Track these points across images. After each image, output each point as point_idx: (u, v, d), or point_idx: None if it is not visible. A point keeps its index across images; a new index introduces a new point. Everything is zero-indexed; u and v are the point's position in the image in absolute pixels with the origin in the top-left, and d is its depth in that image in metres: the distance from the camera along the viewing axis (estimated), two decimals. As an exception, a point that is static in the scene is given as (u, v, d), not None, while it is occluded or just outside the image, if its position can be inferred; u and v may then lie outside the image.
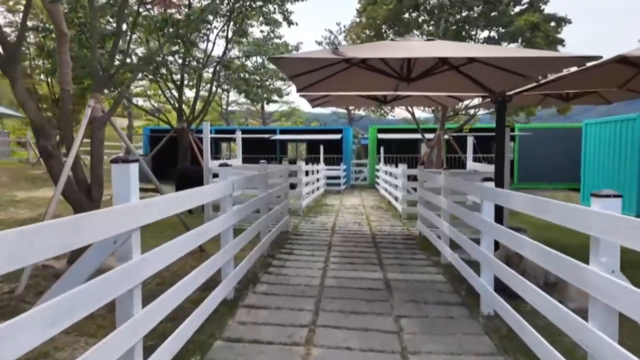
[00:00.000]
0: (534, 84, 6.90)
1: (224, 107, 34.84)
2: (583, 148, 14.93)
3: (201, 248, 6.05)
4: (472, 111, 15.52)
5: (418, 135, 17.06)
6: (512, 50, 6.52)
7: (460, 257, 5.31)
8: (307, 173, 13.89)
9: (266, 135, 21.06)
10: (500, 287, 4.11)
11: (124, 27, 10.83)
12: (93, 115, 5.01)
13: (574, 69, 6.17)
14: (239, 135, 11.19)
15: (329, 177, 20.06)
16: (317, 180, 16.95)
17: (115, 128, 5.74)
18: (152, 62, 10.41)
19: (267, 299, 4.66)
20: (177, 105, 12.48)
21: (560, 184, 20.67)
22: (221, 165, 4.67)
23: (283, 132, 23.10)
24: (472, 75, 6.07)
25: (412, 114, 15.57)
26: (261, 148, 22.56)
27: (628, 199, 12.28)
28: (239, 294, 4.73)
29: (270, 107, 36.86)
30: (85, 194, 5.09)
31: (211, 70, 12.68)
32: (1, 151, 23.91)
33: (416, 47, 4.75)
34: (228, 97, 32.98)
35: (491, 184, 4.27)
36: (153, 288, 4.48)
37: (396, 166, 12.63)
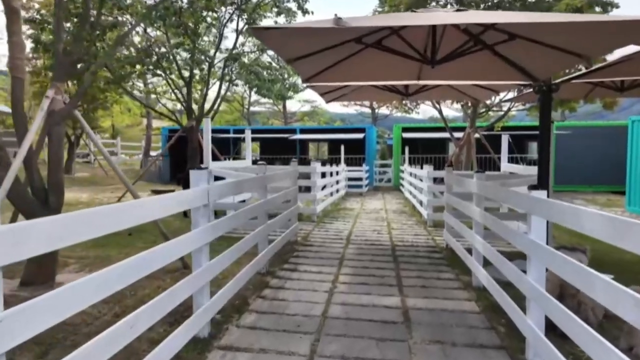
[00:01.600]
0: (585, 71, 5.75)
1: (246, 107, 34.21)
2: (629, 147, 13.47)
3: (185, 264, 5.17)
4: (506, 106, 14.23)
5: (446, 135, 15.90)
6: (574, 16, 5.38)
7: (494, 278, 4.27)
8: (323, 175, 12.94)
9: (285, 135, 20.21)
10: (550, 324, 3.11)
11: (125, 17, 10.18)
12: (52, 107, 4.19)
13: (634, 48, 5.02)
14: (248, 135, 10.31)
15: (350, 179, 19.08)
16: (337, 182, 16.01)
17: (82, 124, 4.92)
18: (150, 53, 9.68)
19: (252, 335, 3.72)
20: (185, 103, 11.70)
21: (601, 187, 19.10)
22: (197, 168, 3.76)
23: (303, 131, 22.22)
24: (511, 58, 4.99)
25: (440, 111, 14.40)
26: (281, 148, 21.75)
27: (685, 204, 10.83)
28: (217, 328, 3.81)
29: (292, 107, 36.08)
30: (41, 202, 4.28)
31: (221, 64, 11.87)
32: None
33: (443, 16, 3.73)
34: (250, 96, 32.33)
35: (542, 194, 3.22)
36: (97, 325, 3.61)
37: (421, 167, 11.57)
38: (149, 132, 24.60)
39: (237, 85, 12.86)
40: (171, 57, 10.37)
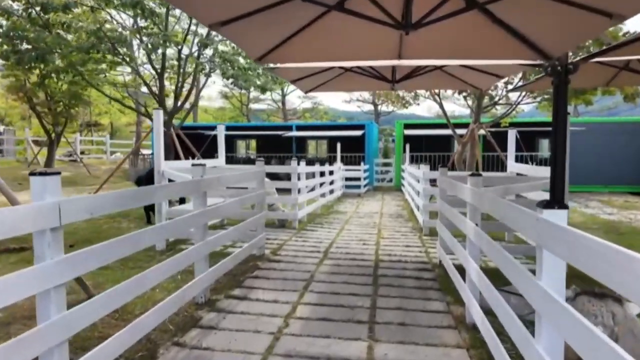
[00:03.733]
0: (605, 47, 4.51)
1: (245, 103, 33.13)
2: (651, 144, 12.15)
3: (88, 293, 4.04)
4: (513, 98, 12.94)
5: (451, 131, 14.63)
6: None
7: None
8: (313, 175, 11.79)
9: (280, 132, 19.06)
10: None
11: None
12: None
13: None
14: (221, 132, 9.16)
15: (347, 179, 17.91)
16: (332, 182, 14.87)
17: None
18: (101, 37, 8.57)
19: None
20: (158, 96, 10.59)
21: (618, 187, 17.74)
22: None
23: (300, 128, 21.06)
24: (514, 26, 3.81)
25: (440, 104, 13.15)
26: (277, 146, 20.63)
27: None
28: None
29: (292, 103, 34.95)
30: None
31: (188, 52, 10.74)
32: (6, 149, 22.94)
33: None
34: (249, 93, 31.23)
35: (560, 217, 2.04)
36: None
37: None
38: (138, 129, 23.58)
39: (210, 76, 11.71)
40: (129, 41, 9.25)
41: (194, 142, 12.21)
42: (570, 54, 4.60)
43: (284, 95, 32.90)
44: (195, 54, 10.93)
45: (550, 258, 2.04)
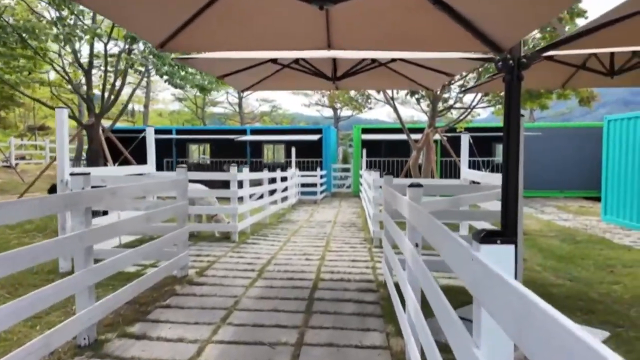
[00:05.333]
0: (561, 38, 3.96)
1: (200, 107, 31.92)
2: (604, 150, 12.03)
3: None
4: (468, 102, 12.58)
5: (414, 136, 14.09)
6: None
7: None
8: (259, 183, 11.00)
9: (232, 136, 18.14)
10: None
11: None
12: None
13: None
14: (150, 135, 8.26)
15: (303, 185, 17.21)
16: (285, 189, 14.12)
17: None
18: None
19: None
20: (86, 95, 9.53)
21: (573, 192, 17.80)
22: None
23: (255, 132, 20.20)
24: (459, 10, 3.19)
25: (394, 107, 12.64)
26: (231, 151, 19.69)
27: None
28: None
29: (252, 107, 34.00)
30: None
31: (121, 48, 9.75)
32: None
33: None
34: (205, 95, 30.00)
35: (506, 255, 1.37)
36: None
37: (383, 173, 9.79)
38: (78, 132, 22.00)
39: (139, 71, 10.73)
40: (41, 33, 8.19)
41: (130, 145, 11.20)
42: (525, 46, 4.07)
43: (240, 98, 31.89)
44: (126, 50, 9.94)
45: (489, 323, 1.36)
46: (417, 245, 3.33)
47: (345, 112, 30.93)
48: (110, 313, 4.20)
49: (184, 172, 5.58)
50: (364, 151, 17.77)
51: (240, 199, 8.94)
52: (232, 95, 32.31)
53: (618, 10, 3.20)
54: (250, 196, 10.60)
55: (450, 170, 18.63)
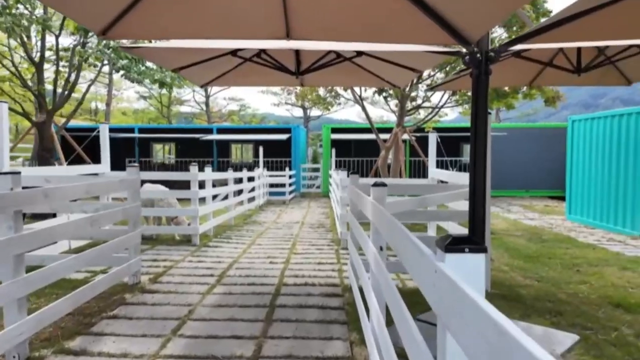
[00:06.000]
0: (529, 30, 3.80)
1: (165, 105, 31.05)
2: (569, 150, 12.22)
3: None
4: (436, 101, 12.53)
5: (383, 136, 13.93)
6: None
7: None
8: (229, 182, 10.63)
9: (198, 135, 17.61)
10: None
11: None
12: None
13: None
14: (104, 132, 7.78)
15: (272, 185, 16.88)
16: (253, 189, 13.77)
17: None
18: None
19: None
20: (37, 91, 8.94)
21: (539, 192, 18.13)
22: None
23: (221, 131, 19.72)
24: (426, 0, 2.99)
25: (363, 106, 12.48)
26: (197, 150, 19.15)
27: (631, 214, 9.53)
28: None
29: (220, 106, 33.31)
30: None
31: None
32: None
33: None
34: (171, 93, 29.26)
35: (476, 265, 1.14)
36: None
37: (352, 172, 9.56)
38: (28, 131, 20.95)
39: (95, 65, 10.17)
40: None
41: (93, 144, 10.63)
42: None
43: (207, 97, 31.21)
44: (80, 42, 9.38)
45: (455, 349, 1.12)
46: (381, 248, 3.10)
47: (316, 112, 30.70)
48: (49, 326, 3.82)
49: (135, 171, 5.20)
50: (333, 151, 17.58)
51: (203, 200, 8.57)
52: (199, 93, 31.54)
53: (582, 4, 3.06)
54: (215, 197, 10.24)
55: (419, 169, 18.66)
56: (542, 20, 9.10)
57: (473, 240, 1.23)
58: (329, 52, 5.09)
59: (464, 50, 3.80)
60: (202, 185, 8.51)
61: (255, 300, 4.82)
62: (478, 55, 3.73)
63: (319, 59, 5.17)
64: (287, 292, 5.10)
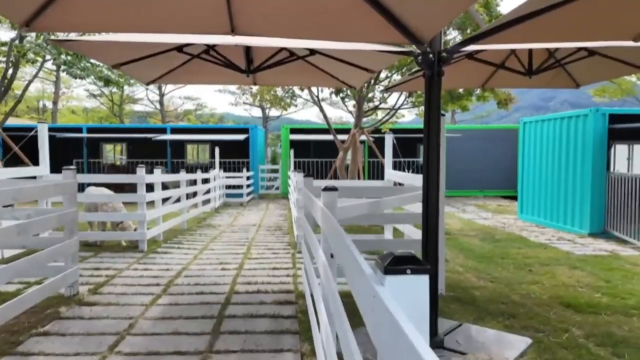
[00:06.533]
0: (481, 31, 3.75)
1: (117, 103, 29.86)
2: (520, 151, 12.56)
3: None
4: (392, 102, 12.57)
5: (341, 137, 13.79)
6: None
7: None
8: (181, 184, 10.22)
9: (149, 135, 16.97)
10: None
11: None
12: None
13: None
14: (43, 132, 7.25)
15: (229, 187, 16.47)
16: (208, 191, 13.37)
17: None
18: None
19: None
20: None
21: (493, 192, 18.60)
22: None
23: (176, 131, 19.11)
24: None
25: (320, 107, 12.36)
26: (150, 151, 18.46)
27: (579, 213, 9.87)
28: None
29: (177, 105, 32.40)
30: None
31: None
32: None
33: None
34: (123, 91, 28.11)
35: (420, 289, 0.99)
36: None
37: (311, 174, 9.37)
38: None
39: (35, 61, 9.57)
40: None
41: (29, 145, 9.96)
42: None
43: (161, 95, 30.24)
44: (18, 37, 8.75)
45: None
46: (332, 256, 2.94)
47: (275, 112, 30.38)
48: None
49: (72, 174, 4.81)
50: (292, 152, 17.38)
51: (152, 203, 8.16)
52: (153, 92, 30.52)
53: (531, 5, 3.02)
54: (166, 200, 9.82)
55: (378, 171, 18.74)
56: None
57: (416, 259, 1.08)
58: (281, 49, 4.90)
59: (417, 50, 3.72)
60: (152, 187, 8.12)
61: (203, 310, 4.56)
62: (430, 55, 3.66)
63: (270, 56, 4.97)
64: (237, 301, 4.87)
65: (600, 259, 7.15)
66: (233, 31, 3.34)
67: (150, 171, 8.14)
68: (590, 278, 5.99)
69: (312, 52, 4.94)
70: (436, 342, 3.81)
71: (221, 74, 5.73)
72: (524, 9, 2.97)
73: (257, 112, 34.17)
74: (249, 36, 3.62)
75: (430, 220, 3.72)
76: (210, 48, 5.03)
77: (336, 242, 2.02)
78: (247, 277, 5.89)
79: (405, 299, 0.99)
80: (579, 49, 4.70)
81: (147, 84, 6.23)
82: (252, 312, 4.51)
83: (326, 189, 3.05)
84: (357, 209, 3.94)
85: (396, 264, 1.06)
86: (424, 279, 1.05)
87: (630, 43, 3.61)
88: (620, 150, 12.16)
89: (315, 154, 20.56)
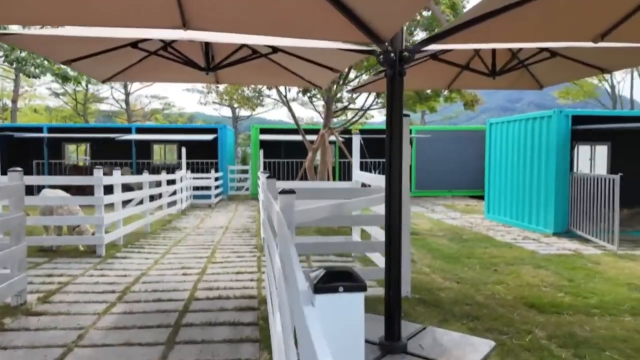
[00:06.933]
0: (449, 27, 3.68)
1: (81, 102, 28.88)
2: (487, 151, 12.74)
3: None
4: (362, 103, 12.52)
5: (311, 137, 13.59)
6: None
7: None
8: (144, 186, 9.89)
9: (113, 135, 16.42)
10: None
11: None
12: None
13: None
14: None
15: (196, 188, 16.12)
16: (174, 192, 13.04)
17: None
18: None
19: None
20: None
21: (461, 192, 18.85)
22: None
23: (141, 130, 18.58)
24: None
25: (289, 106, 12.20)
26: (115, 151, 17.88)
27: (544, 213, 10.04)
28: None
29: (141, 103, 31.60)
30: None
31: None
32: None
33: None
34: (87, 90, 27.25)
35: (353, 310, 0.87)
36: None
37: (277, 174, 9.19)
38: None
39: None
40: None
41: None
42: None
43: (127, 94, 29.41)
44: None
45: None
46: (289, 262, 2.80)
47: (246, 112, 29.94)
48: None
49: (19, 176, 4.52)
50: (262, 152, 17.15)
51: (111, 205, 7.84)
52: (118, 90, 29.68)
53: (491, 3, 2.96)
54: (129, 202, 9.48)
55: (349, 171, 18.70)
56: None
57: (351, 275, 0.95)
58: (242, 47, 4.74)
59: (379, 49, 3.63)
60: (109, 189, 7.79)
61: (159, 319, 4.34)
62: (392, 54, 3.57)
63: (231, 53, 4.79)
64: (196, 308, 4.67)
65: (564, 258, 7.26)
66: (185, 25, 3.17)
67: (110, 172, 7.82)
68: (554, 277, 6.05)
69: (275, 50, 4.80)
70: (400, 347, 3.72)
71: (181, 71, 5.52)
72: (481, 8, 2.90)
73: (227, 112, 33.70)
74: (203, 31, 3.45)
75: (393, 222, 3.63)
76: (167, 45, 4.83)
77: (283, 249, 1.89)
78: (209, 282, 5.69)
79: (337, 321, 0.87)
80: (541, 50, 4.72)
81: (103, 81, 5.96)
82: (211, 320, 4.32)
83: (283, 192, 2.91)
84: (318, 212, 3.82)
85: (328, 281, 0.94)
86: (359, 298, 0.93)
87: (590, 44, 3.62)
88: (583, 150, 12.48)
89: (286, 155, 20.36)
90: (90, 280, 5.71)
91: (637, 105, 37.01)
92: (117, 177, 7.75)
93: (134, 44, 4.62)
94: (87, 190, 11.06)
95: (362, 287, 0.93)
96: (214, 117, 43.64)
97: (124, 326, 4.16)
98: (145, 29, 3.68)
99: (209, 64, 5.07)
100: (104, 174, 7.06)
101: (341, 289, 0.93)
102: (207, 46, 4.88)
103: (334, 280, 0.95)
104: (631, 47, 3.97)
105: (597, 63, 4.87)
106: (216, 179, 16.38)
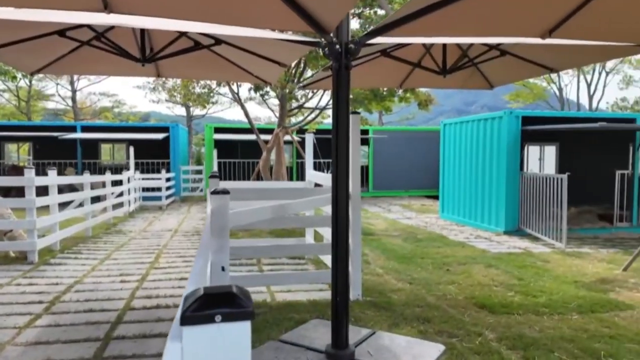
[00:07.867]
0: (389, 21, 3.50)
1: (24, 99, 27.24)
2: (441, 152, 12.86)
3: None
4: (315, 102, 12.34)
5: (267, 137, 13.25)
6: None
7: None
8: (84, 187, 9.28)
9: (56, 134, 15.49)
10: None
11: None
12: None
13: None
14: None
15: (146, 189, 15.44)
16: (121, 193, 12.39)
17: None
18: None
19: None
20: None
21: (417, 191, 19.03)
22: None
23: (87, 129, 17.65)
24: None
25: (241, 104, 11.85)
26: (58, 151, 16.90)
27: (495, 212, 10.19)
28: None
29: (89, 101, 30.21)
30: None
31: None
32: None
33: None
34: (30, 86, 25.72)
35: (238, 350, 0.64)
36: None
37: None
38: None
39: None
40: None
41: None
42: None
43: (74, 91, 27.95)
44: None
45: None
46: (223, 269, 2.55)
47: (200, 111, 29.16)
48: None
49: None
50: (216, 152, 16.67)
51: (47, 208, 7.27)
52: (64, 87, 28.21)
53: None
54: (66, 204, 8.88)
55: (303, 172, 18.52)
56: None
57: (235, 298, 0.72)
58: (181, 35, 4.42)
59: (324, 41, 3.43)
60: (45, 191, 7.22)
61: (88, 332, 3.96)
62: (337, 46, 3.38)
63: (168, 44, 4.46)
64: (131, 319, 4.31)
65: (514, 257, 7.32)
66: (106, 8, 2.84)
67: (44, 172, 7.25)
68: (504, 276, 6.06)
69: (218, 41, 4.52)
70: (347, 355, 3.53)
71: (118, 63, 5.12)
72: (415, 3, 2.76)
73: (182, 111, 32.69)
74: (131, 15, 3.12)
75: (340, 222, 3.44)
76: (100, 34, 4.46)
77: (201, 257, 1.64)
78: (149, 289, 5.31)
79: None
80: (491, 48, 4.67)
81: (32, 74, 5.46)
82: (145, 332, 3.98)
83: (215, 192, 2.64)
84: (257, 214, 3.57)
85: (202, 308, 0.70)
86: (243, 329, 0.70)
87: (539, 40, 3.55)
88: (533, 151, 12.83)
89: (243, 155, 19.91)
90: (16, 289, 5.20)
91: (583, 107, 38.90)
92: (52, 178, 7.18)
93: (61, 32, 4.23)
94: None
95: (247, 315, 0.71)
96: (169, 116, 42.40)
97: (46, 341, 3.75)
98: (64, 11, 3.31)
99: (144, 54, 4.71)
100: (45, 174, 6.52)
101: (219, 317, 0.69)
102: (142, 36, 4.52)
103: (213, 305, 0.71)
104: (577, 45, 3.95)
105: (546, 62, 4.87)
106: (167, 180, 15.75)
